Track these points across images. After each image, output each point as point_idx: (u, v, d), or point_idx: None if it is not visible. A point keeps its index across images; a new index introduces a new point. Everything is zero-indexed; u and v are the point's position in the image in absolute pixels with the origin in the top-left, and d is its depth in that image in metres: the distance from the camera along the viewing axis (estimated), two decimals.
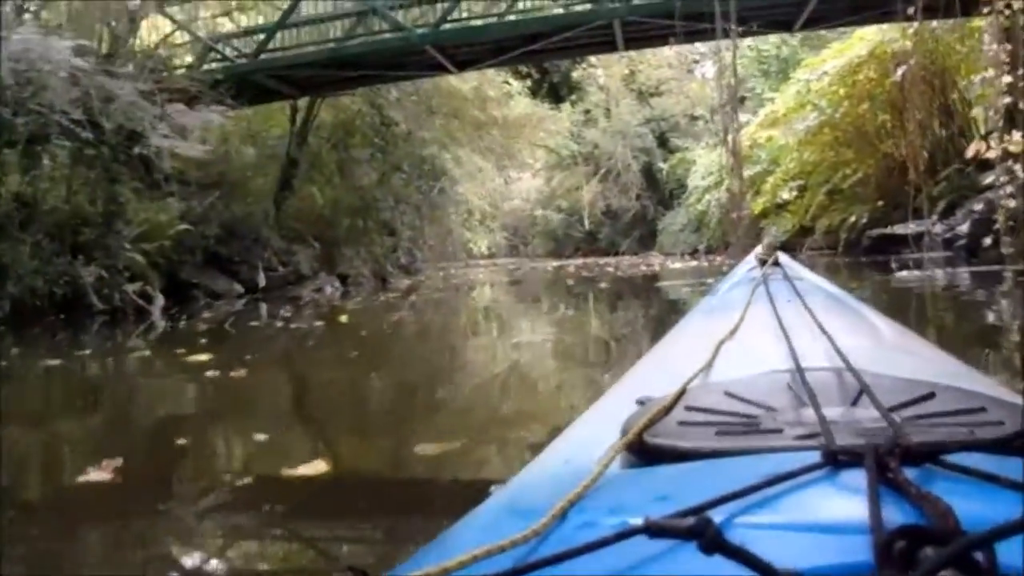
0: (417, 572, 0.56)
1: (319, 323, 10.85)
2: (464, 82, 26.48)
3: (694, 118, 40.23)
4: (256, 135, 21.25)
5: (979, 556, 0.45)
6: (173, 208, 15.95)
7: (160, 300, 13.30)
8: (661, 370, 1.46)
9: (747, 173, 26.80)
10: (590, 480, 0.71)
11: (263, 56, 18.09)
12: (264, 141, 21.29)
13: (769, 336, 1.42)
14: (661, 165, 41.49)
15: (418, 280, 23.31)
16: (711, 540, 0.48)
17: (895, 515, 0.53)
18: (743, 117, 31.27)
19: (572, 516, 0.66)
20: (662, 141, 42.67)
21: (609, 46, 18.97)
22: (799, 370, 1.03)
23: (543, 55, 20.63)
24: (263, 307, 15.21)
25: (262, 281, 17.84)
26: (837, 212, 22.37)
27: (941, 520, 0.50)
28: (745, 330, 1.57)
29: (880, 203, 20.51)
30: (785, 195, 25.06)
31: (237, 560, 2.61)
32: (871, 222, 20.12)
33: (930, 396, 0.91)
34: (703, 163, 34.26)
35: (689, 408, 0.93)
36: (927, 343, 1.88)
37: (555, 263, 35.40)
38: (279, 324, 10.91)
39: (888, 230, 18.44)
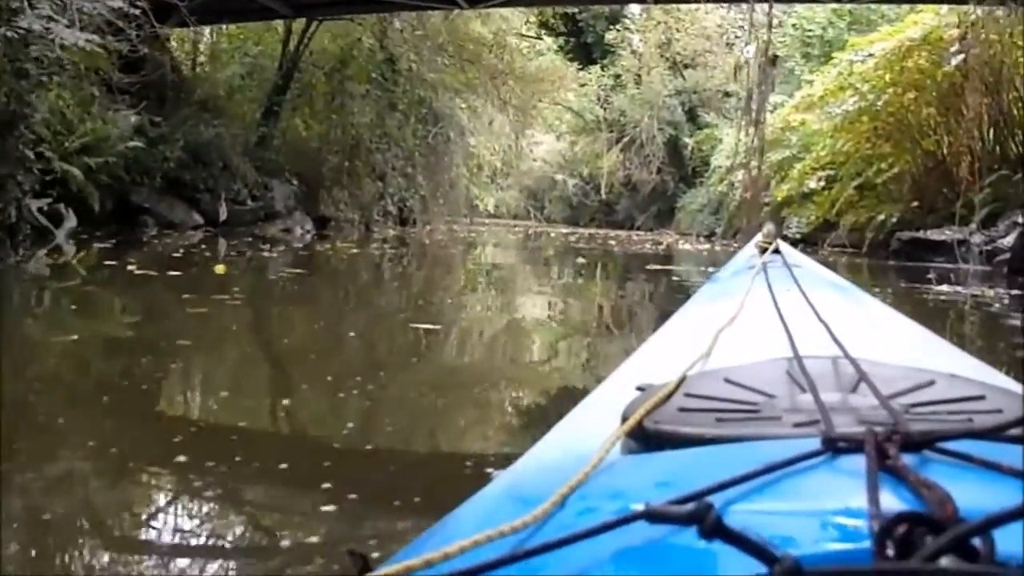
0: (417, 558, 0.55)
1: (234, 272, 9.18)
2: (484, 25, 24.84)
3: (727, 94, 38.24)
4: (240, 52, 19.49)
5: (977, 542, 0.45)
6: (125, 121, 14.28)
7: (71, 221, 11.63)
8: (661, 357, 1.49)
9: (775, 157, 25.25)
10: (590, 466, 0.72)
11: None
12: (250, 62, 19.51)
13: (768, 323, 1.43)
14: (687, 140, 39.56)
15: (406, 231, 21.63)
16: (711, 526, 0.48)
17: (894, 501, 0.53)
18: (778, 98, 29.63)
19: (572, 502, 0.67)
20: (691, 115, 40.75)
21: None
22: (798, 357, 1.04)
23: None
24: (217, 243, 13.66)
25: (223, 214, 16.24)
26: (866, 209, 20.63)
27: (940, 507, 0.51)
28: (744, 317, 1.60)
29: (915, 204, 18.86)
30: (812, 184, 23.27)
31: None
32: (902, 223, 18.47)
33: (929, 383, 0.92)
34: (730, 142, 32.33)
35: (689, 395, 0.94)
36: (926, 331, 1.84)
37: (565, 230, 33.89)
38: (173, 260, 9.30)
39: (921, 234, 16.66)
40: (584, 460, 0.73)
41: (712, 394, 0.93)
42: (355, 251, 13.99)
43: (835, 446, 0.64)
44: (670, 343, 1.70)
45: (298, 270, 10.87)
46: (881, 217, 19.53)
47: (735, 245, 23.09)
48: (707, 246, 24.48)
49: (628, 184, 42.33)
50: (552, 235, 27.76)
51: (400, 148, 22.05)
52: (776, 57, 26.44)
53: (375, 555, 0.65)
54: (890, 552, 0.47)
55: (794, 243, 22.72)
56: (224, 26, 21.18)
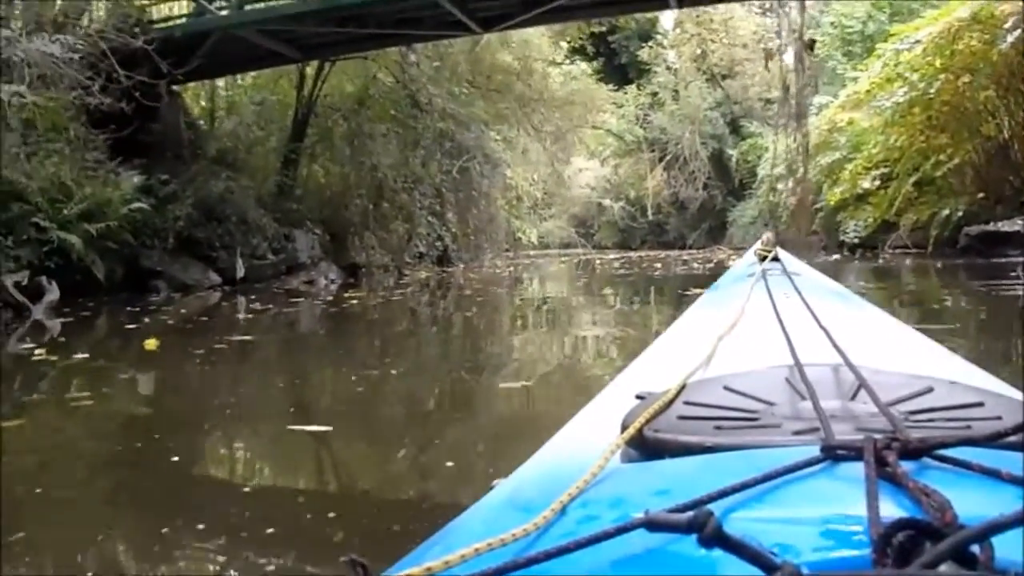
0: (418, 567, 0.56)
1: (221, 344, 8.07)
2: (509, 54, 24.17)
3: (768, 102, 37.08)
4: (254, 102, 18.81)
5: (976, 549, 0.46)
6: (128, 183, 13.55)
7: (52, 295, 10.82)
8: (660, 365, 1.49)
9: (824, 160, 24.17)
10: (590, 474, 0.72)
11: (248, 8, 15.54)
12: (257, 110, 18.80)
13: (768, 331, 1.43)
14: (731, 152, 38.55)
15: (442, 272, 20.67)
16: (711, 534, 0.48)
17: (893, 509, 0.54)
18: (822, 99, 28.48)
19: (572, 510, 0.67)
20: (733, 126, 39.75)
21: (660, 3, 16.22)
22: (798, 365, 1.04)
23: (584, 11, 17.77)
24: (236, 301, 12.81)
25: (241, 271, 15.42)
26: (927, 205, 19.46)
27: (939, 514, 0.51)
28: (744, 325, 1.62)
29: (980, 195, 17.59)
30: (866, 185, 22.10)
31: None
32: (968, 217, 17.21)
33: (928, 391, 0.93)
34: (775, 151, 31.19)
35: (688, 403, 0.94)
36: (925, 338, 1.82)
37: (614, 256, 32.90)
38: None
39: (991, 227, 15.36)
40: (584, 468, 0.74)
41: (712, 402, 0.94)
42: (375, 302, 12.97)
43: (834, 454, 0.64)
44: (670, 351, 1.70)
45: (310, 328, 9.93)
46: (945, 212, 18.46)
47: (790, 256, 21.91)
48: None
49: (676, 203, 41.53)
50: (599, 262, 26.66)
51: (427, 186, 21.14)
52: (814, 42, 25.28)
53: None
54: (889, 559, 0.47)
55: (852, 248, 21.84)
56: (239, 78, 20.62)
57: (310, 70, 18.95)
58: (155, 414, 4.89)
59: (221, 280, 15.46)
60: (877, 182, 21.87)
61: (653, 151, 41.09)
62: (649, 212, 42.43)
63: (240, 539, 2.69)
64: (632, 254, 34.47)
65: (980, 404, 0.88)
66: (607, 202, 45.07)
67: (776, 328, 1.39)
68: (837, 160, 23.82)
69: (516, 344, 7.81)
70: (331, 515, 2.85)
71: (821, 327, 1.35)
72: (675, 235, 41.73)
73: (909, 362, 1.30)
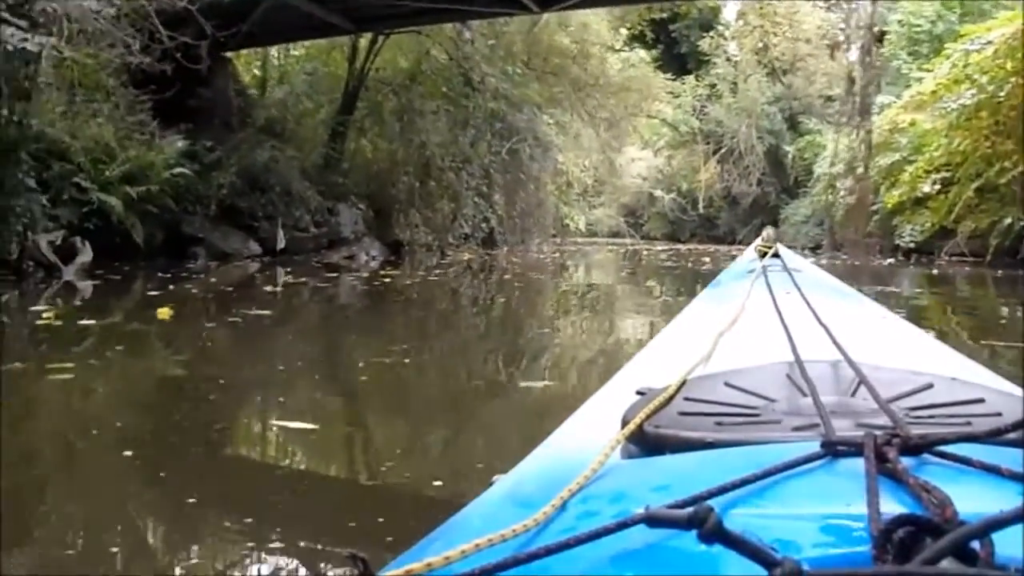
0: (419, 562, 0.56)
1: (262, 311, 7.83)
2: (567, 36, 23.85)
3: (829, 99, 36.30)
4: (305, 72, 18.62)
5: (976, 546, 0.46)
6: (172, 147, 13.40)
7: (85, 256, 10.67)
8: (661, 361, 1.48)
9: (883, 161, 23.62)
10: (590, 470, 0.73)
11: None
12: (309, 80, 18.59)
13: (768, 327, 1.44)
14: (788, 149, 37.75)
15: (487, 254, 20.40)
16: (711, 529, 0.48)
17: (893, 505, 0.54)
18: (884, 98, 27.79)
19: (573, 506, 0.67)
20: (792, 123, 38.92)
21: None
22: (798, 361, 1.04)
23: None
24: (271, 272, 12.64)
25: (282, 242, 15.26)
26: (987, 213, 18.86)
27: (939, 510, 0.51)
28: (744, 321, 1.63)
29: None
30: (926, 188, 21.44)
31: None
32: None
33: (928, 387, 0.93)
34: (834, 148, 30.51)
35: (689, 399, 0.94)
36: (926, 335, 1.89)
37: (662, 247, 32.50)
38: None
39: None
40: (584, 464, 0.73)
41: (712, 398, 0.94)
42: (410, 281, 12.69)
43: (835, 450, 0.64)
44: (670, 346, 1.68)
45: (334, 305, 9.67)
46: (1007, 221, 17.89)
47: (842, 257, 21.35)
48: (811, 260, 22.58)
49: (728, 197, 40.74)
50: (646, 253, 26.26)
51: (476, 166, 20.83)
52: (884, 34, 24.64)
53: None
54: (890, 555, 0.47)
55: (907, 253, 21.29)
56: (291, 47, 20.48)
57: (363, 43, 18.71)
58: (124, 393, 4.59)
59: (261, 250, 15.34)
60: (937, 186, 21.20)
61: (708, 143, 40.39)
62: (700, 205, 41.65)
63: None
64: (681, 247, 34.06)
65: (980, 400, 0.88)
66: (658, 193, 44.37)
67: (776, 324, 1.40)
68: (897, 162, 23.20)
69: (548, 335, 7.48)
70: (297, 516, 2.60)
71: (821, 323, 1.36)
72: (725, 230, 40.79)
73: (909, 358, 1.31)
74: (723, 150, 39.66)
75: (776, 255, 2.77)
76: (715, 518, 0.47)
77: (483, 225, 22.20)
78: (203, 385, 4.68)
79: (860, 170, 18.62)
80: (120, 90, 13.41)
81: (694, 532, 0.48)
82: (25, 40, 8.06)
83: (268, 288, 10.35)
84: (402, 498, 3.05)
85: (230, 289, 10.24)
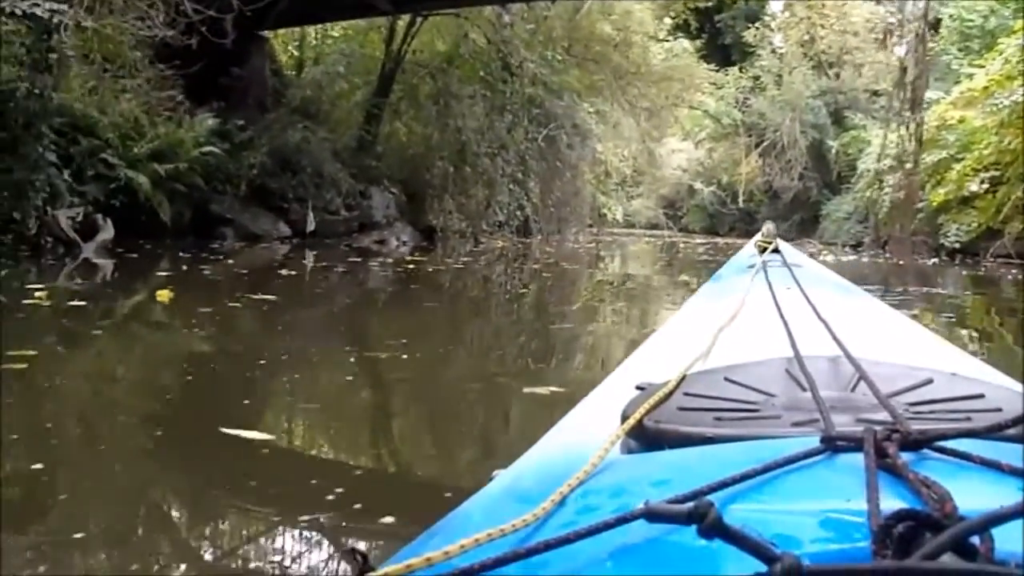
0: (418, 557, 0.56)
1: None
2: (610, 24, 23.50)
3: (876, 94, 35.61)
4: (340, 53, 18.39)
5: (976, 541, 0.46)
6: (202, 125, 13.22)
7: (106, 233, 10.49)
8: (660, 356, 1.48)
9: (929, 159, 23.06)
10: (590, 465, 0.73)
11: None
12: (351, 64, 18.36)
13: (768, 322, 1.43)
14: (832, 144, 37.11)
15: (521, 242, 20.10)
16: (711, 524, 0.48)
17: (893, 500, 0.54)
18: (933, 94, 27.17)
19: (572, 501, 0.67)
20: (836, 117, 38.24)
21: None
22: (798, 356, 1.04)
23: None
24: (298, 255, 12.43)
25: (311, 225, 15.05)
26: None
27: (939, 505, 0.51)
28: (744, 316, 1.62)
29: None
30: (973, 187, 20.87)
31: None
32: None
33: (928, 382, 0.93)
34: (879, 144, 29.91)
35: (688, 394, 0.94)
36: (926, 330, 1.86)
37: (700, 240, 32.13)
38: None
39: None
40: (584, 459, 0.73)
41: (712, 393, 0.94)
42: (435, 268, 12.36)
43: (834, 445, 0.64)
44: (670, 342, 1.68)
45: (347, 292, 9.35)
46: None
47: (884, 255, 20.85)
48: (852, 257, 22.20)
49: (768, 191, 40.21)
50: (683, 245, 25.86)
51: (512, 153, 20.51)
52: (939, 21, 24.06)
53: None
54: (889, 551, 0.47)
55: (951, 253, 20.78)
56: (329, 28, 20.29)
57: (401, 24, 18.45)
58: (75, 392, 4.17)
59: (291, 232, 15.16)
60: (985, 185, 20.68)
61: (750, 136, 39.82)
62: (740, 199, 41.15)
63: None
64: (719, 240, 33.70)
65: (980, 396, 0.88)
66: (698, 185, 44.03)
67: (776, 320, 1.39)
68: (944, 159, 22.62)
69: (569, 332, 7.08)
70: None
71: (821, 319, 1.35)
72: (764, 224, 40.40)
73: (909, 354, 1.31)
74: (765, 143, 39.10)
75: (776, 250, 2.74)
76: (715, 513, 0.47)
77: (518, 213, 21.86)
78: (169, 381, 4.33)
79: (909, 165, 18.08)
80: (146, 65, 13.20)
81: (694, 527, 0.48)
82: (36, 5, 7.84)
83: (284, 272, 10.08)
84: (401, 498, 2.91)
85: (244, 272, 9.95)
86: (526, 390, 4.35)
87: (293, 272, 10.14)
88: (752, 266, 2.34)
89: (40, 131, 8.61)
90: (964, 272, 16.66)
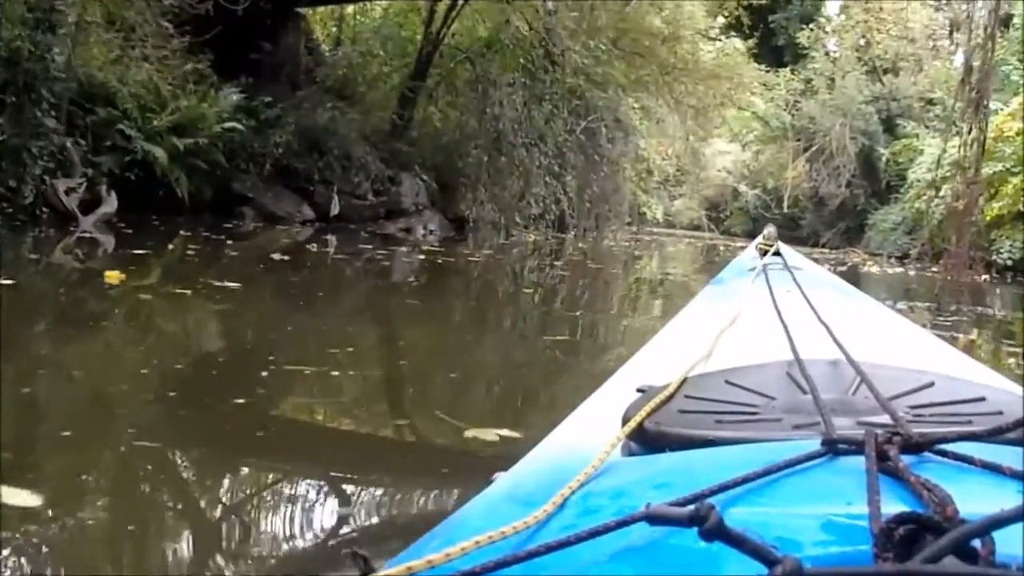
0: (419, 559, 0.56)
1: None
2: (660, 19, 22.86)
3: (930, 103, 34.63)
4: (379, 33, 17.89)
5: (977, 544, 0.46)
6: (226, 100, 12.73)
7: (108, 207, 10.00)
8: (661, 358, 1.46)
9: (986, 171, 22.16)
10: (591, 467, 0.73)
11: None
12: (388, 45, 17.85)
13: (769, 325, 1.42)
14: (882, 151, 36.19)
15: (556, 237, 19.48)
16: (712, 527, 0.48)
17: (894, 503, 0.54)
18: (992, 105, 26.23)
19: (573, 503, 0.67)
20: (888, 125, 37.29)
21: None
22: (798, 359, 1.03)
23: None
24: (315, 239, 11.91)
25: (335, 208, 14.53)
26: None
27: (940, 508, 0.52)
28: (745, 319, 1.61)
29: None
30: None
31: None
32: None
33: (929, 385, 0.93)
34: (932, 153, 29.03)
35: (689, 396, 0.94)
36: (927, 333, 1.84)
37: (742, 244, 31.32)
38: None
39: None
40: (585, 461, 0.73)
41: (713, 396, 0.94)
42: (447, 260, 11.67)
43: (835, 448, 0.65)
44: (671, 344, 1.67)
45: (330, 282, 8.47)
46: None
47: (933, 269, 20.04)
48: (899, 269, 21.37)
49: (814, 197, 39.56)
50: (723, 249, 25.14)
51: (549, 144, 19.88)
52: (1010, 18, 23.15)
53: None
54: (890, 554, 0.47)
55: (1002, 270, 19.94)
56: (369, 7, 19.81)
57: (441, 7, 17.89)
58: None
59: (314, 215, 14.67)
60: None
61: (798, 140, 39.04)
62: (785, 204, 40.43)
63: None
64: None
65: (981, 399, 0.88)
66: (742, 188, 43.45)
67: (777, 323, 1.39)
68: (999, 172, 21.86)
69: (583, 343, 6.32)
70: None
71: (821, 322, 1.35)
72: (809, 231, 39.43)
73: (910, 357, 1.31)
74: (813, 148, 38.30)
75: (777, 253, 2.74)
76: (716, 516, 0.47)
77: (553, 207, 21.24)
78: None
79: (971, 172, 17.29)
80: (170, 35, 12.68)
81: (695, 530, 0.48)
82: None
83: (276, 256, 9.33)
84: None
85: (234, 255, 9.14)
86: (474, 434, 3.27)
87: (285, 257, 9.46)
88: (753, 269, 2.34)
89: (40, 95, 8.12)
90: (1016, 290, 15.90)
